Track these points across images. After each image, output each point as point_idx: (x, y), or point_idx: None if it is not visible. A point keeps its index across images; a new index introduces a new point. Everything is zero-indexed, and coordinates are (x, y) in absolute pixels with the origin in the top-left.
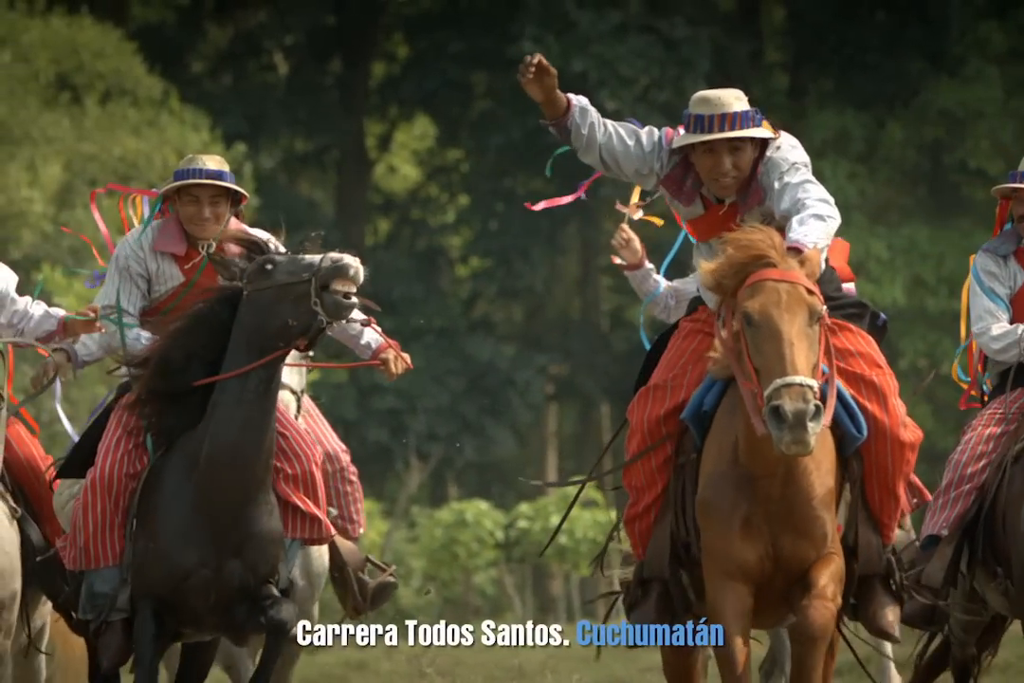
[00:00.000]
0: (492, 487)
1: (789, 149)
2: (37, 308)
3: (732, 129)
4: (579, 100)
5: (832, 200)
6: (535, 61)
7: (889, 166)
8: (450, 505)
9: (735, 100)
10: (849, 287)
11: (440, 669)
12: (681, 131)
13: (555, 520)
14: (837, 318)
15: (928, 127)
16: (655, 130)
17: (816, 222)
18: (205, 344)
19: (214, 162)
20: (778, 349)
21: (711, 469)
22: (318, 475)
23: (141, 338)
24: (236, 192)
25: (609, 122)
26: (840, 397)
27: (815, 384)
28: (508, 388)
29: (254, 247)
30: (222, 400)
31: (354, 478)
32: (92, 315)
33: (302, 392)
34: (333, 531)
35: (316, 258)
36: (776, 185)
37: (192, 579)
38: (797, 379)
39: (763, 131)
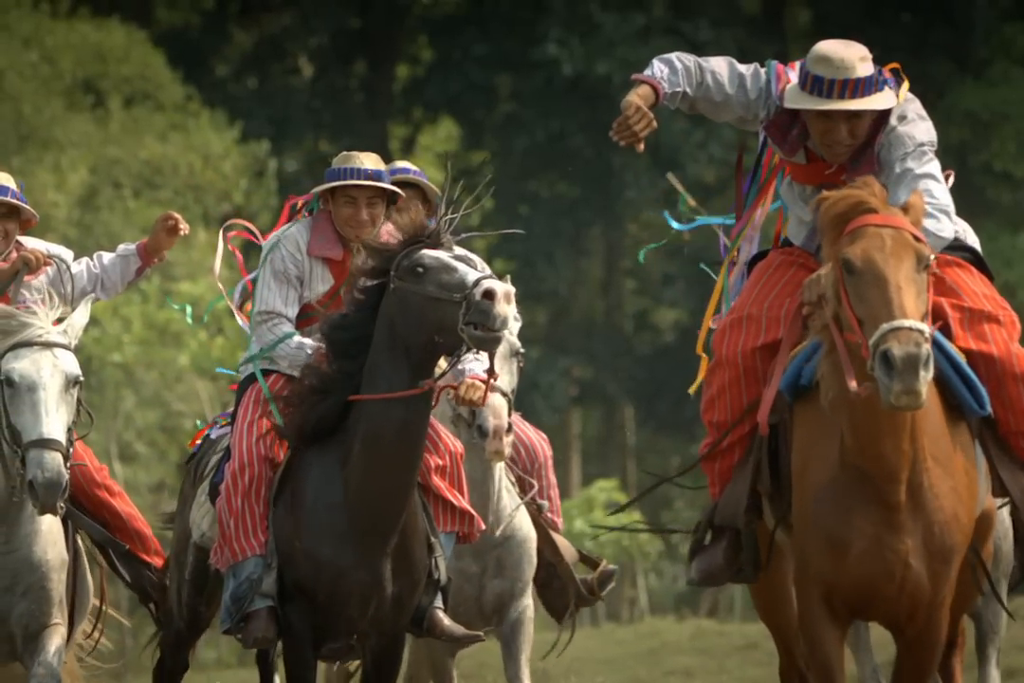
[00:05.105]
0: None
1: (916, 122)
2: (104, 260)
3: (854, 97)
4: (666, 84)
5: (951, 208)
6: (639, 145)
7: None
8: None
9: (859, 62)
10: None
11: (465, 672)
12: (792, 74)
13: (579, 523)
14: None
15: (953, 129)
16: (762, 72)
17: (943, 217)
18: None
19: (371, 161)
20: (884, 294)
21: (812, 479)
22: (462, 470)
23: (305, 347)
24: (393, 192)
25: (708, 68)
26: (958, 368)
27: (927, 329)
28: (532, 391)
29: (386, 256)
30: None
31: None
32: (171, 222)
33: (512, 393)
34: (483, 526)
35: (469, 276)
36: (897, 168)
37: (347, 581)
38: (907, 323)
39: (887, 99)
